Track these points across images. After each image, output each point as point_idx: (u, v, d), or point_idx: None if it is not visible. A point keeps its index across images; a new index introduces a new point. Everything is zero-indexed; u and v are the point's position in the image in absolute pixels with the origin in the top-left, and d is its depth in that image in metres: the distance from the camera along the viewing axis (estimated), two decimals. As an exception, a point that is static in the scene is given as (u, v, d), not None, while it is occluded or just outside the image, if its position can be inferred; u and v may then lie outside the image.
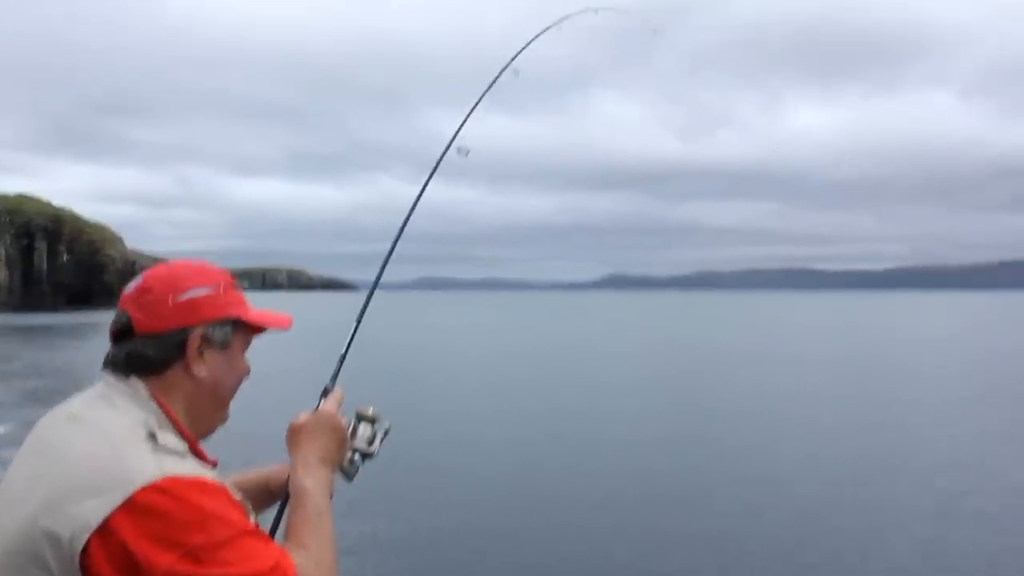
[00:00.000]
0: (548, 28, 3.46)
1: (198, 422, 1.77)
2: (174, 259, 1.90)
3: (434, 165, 2.81)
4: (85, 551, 1.43)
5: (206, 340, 1.75)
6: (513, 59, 3.17)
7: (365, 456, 2.04)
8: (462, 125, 2.90)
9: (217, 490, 1.55)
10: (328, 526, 1.75)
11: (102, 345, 1.77)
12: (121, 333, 1.73)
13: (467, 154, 2.84)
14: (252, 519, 1.61)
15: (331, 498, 1.84)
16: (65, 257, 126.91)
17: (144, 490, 1.47)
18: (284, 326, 1.94)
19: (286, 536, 1.71)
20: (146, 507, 1.46)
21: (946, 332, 66.26)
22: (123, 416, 1.62)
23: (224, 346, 1.79)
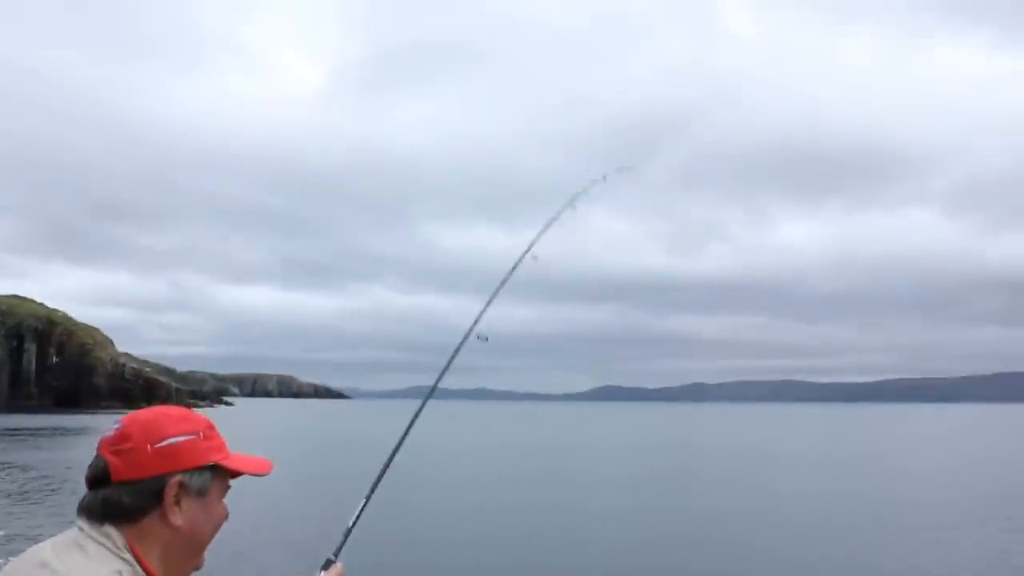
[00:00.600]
0: (560, 211, 3.60)
1: (172, 570, 1.75)
2: (156, 406, 1.89)
3: (455, 348, 2.91)
4: None
5: (184, 488, 1.73)
6: (531, 246, 3.26)
7: None
8: (482, 313, 2.98)
9: None
10: None
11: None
12: (97, 479, 1.71)
13: (486, 340, 2.91)
14: None
15: None
16: (54, 359, 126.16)
17: None
18: (263, 471, 1.91)
19: None
20: None
21: (938, 441, 66.22)
22: (96, 565, 1.60)
23: (202, 493, 1.77)
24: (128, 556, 1.63)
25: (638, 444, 57.88)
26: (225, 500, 1.88)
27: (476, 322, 2.97)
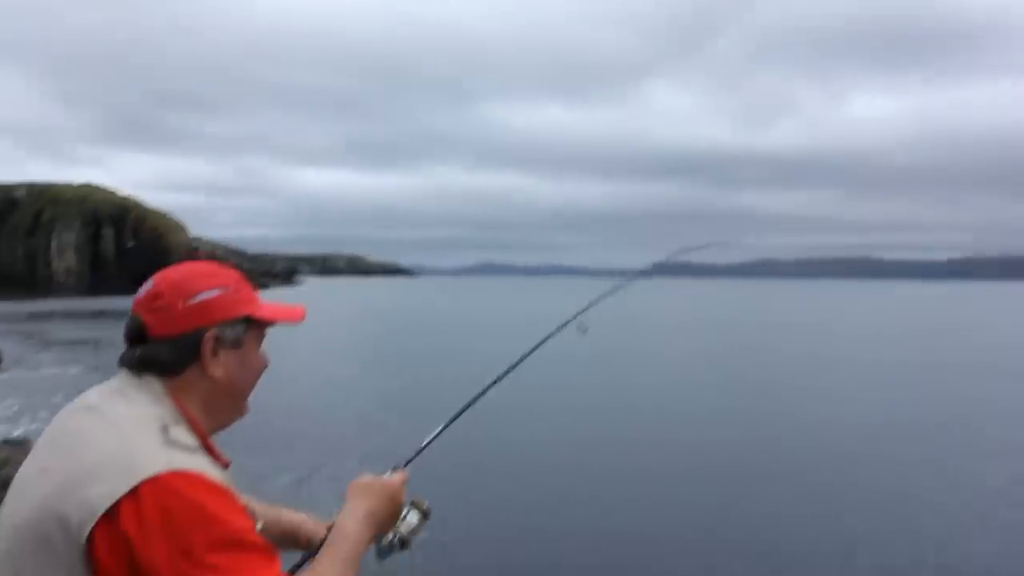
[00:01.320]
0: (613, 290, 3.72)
1: (216, 419, 1.81)
2: (188, 262, 1.91)
3: (551, 332, 2.95)
4: (91, 538, 1.45)
5: (219, 340, 1.77)
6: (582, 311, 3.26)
7: (404, 544, 2.05)
8: (582, 311, 3.09)
9: (222, 491, 1.55)
10: (350, 573, 1.75)
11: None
12: (134, 337, 1.76)
13: (585, 332, 2.96)
14: (258, 527, 1.61)
15: (364, 552, 1.85)
16: (130, 243, 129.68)
17: (149, 482, 1.48)
18: (296, 319, 1.94)
19: (303, 562, 1.79)
20: (149, 499, 1.46)
21: (1017, 323, 64.66)
22: (138, 409, 1.65)
23: (237, 344, 1.81)
24: (168, 402, 1.70)
25: (709, 320, 57.35)
26: (271, 354, 1.91)
27: (580, 314, 3.05)
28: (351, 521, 1.86)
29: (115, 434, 1.58)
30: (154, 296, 1.76)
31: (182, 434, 1.64)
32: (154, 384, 1.72)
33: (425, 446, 2.28)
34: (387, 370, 28.40)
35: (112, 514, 1.46)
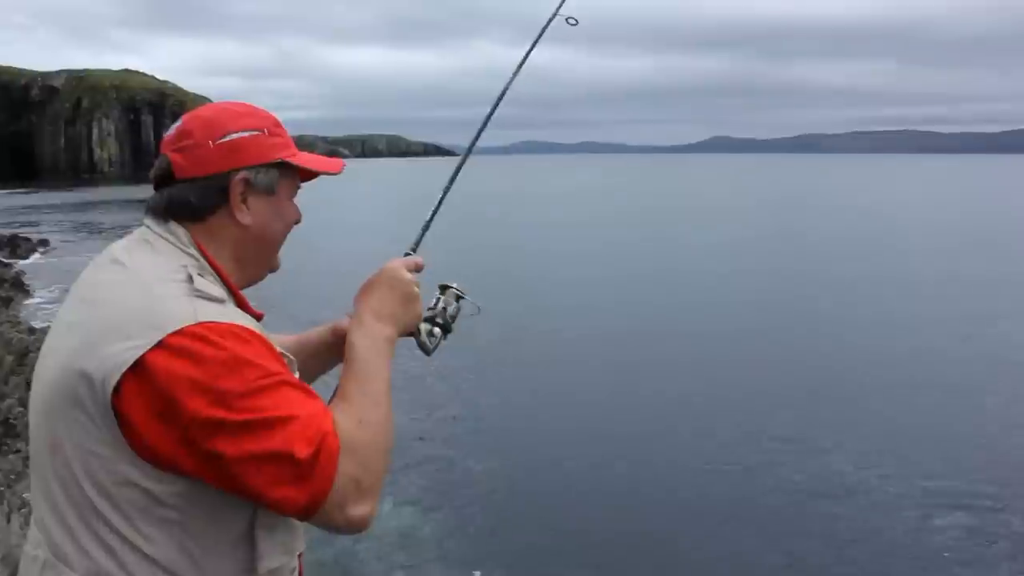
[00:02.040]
0: None
1: (245, 271, 1.70)
2: (221, 101, 1.77)
3: (539, 33, 2.58)
4: (117, 392, 1.39)
5: (250, 185, 1.64)
6: None
7: (445, 330, 1.90)
8: None
9: (255, 337, 1.48)
10: (379, 385, 1.60)
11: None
12: (162, 179, 1.64)
13: (576, 24, 2.62)
14: (296, 375, 1.53)
15: (391, 352, 1.69)
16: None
17: (177, 333, 1.41)
18: (334, 170, 1.81)
19: (333, 394, 1.59)
20: (179, 350, 1.40)
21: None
22: (163, 260, 1.57)
23: (270, 191, 1.68)
24: (194, 251, 1.61)
25: (750, 203, 56.00)
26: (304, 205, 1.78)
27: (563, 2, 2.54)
28: (359, 332, 1.68)
29: (138, 286, 1.51)
30: (183, 134, 1.63)
31: (209, 284, 1.55)
32: (179, 231, 1.61)
33: (430, 220, 2.09)
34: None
35: (138, 369, 1.40)
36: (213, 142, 1.61)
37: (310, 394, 1.48)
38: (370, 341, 1.66)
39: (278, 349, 1.53)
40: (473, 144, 2.44)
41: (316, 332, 2.01)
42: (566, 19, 2.59)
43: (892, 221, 40.80)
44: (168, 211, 1.62)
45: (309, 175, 1.78)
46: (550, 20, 2.60)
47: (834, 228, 36.86)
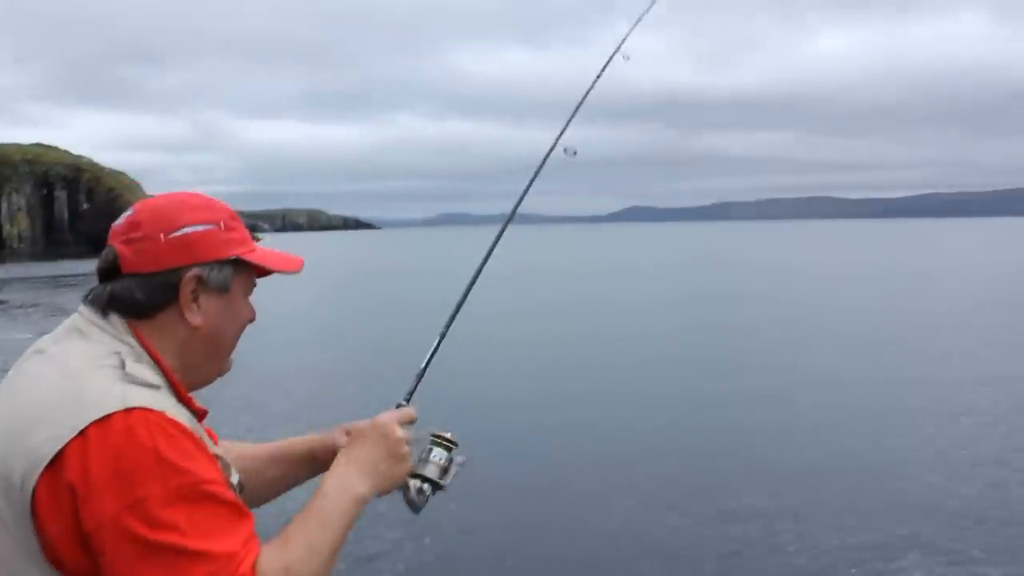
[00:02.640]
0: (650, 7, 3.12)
1: (192, 373, 1.59)
2: (176, 192, 1.65)
3: (539, 165, 2.60)
4: (34, 492, 1.28)
5: (202, 283, 1.56)
6: (621, 43, 2.92)
7: (436, 487, 1.77)
8: (569, 121, 2.69)
9: (185, 435, 1.36)
10: (326, 537, 1.48)
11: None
12: (107, 271, 1.56)
13: (574, 154, 2.64)
14: (234, 480, 1.49)
15: (357, 512, 1.58)
16: (85, 205, 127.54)
17: (101, 422, 1.30)
18: (294, 268, 1.72)
19: (280, 529, 1.49)
20: (98, 443, 1.28)
21: (969, 258, 65.88)
22: (94, 346, 1.47)
23: (223, 289, 1.59)
24: (132, 340, 1.49)
25: (667, 264, 57.62)
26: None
27: (562, 132, 2.62)
28: (333, 479, 1.60)
29: (65, 372, 1.41)
30: (132, 225, 1.56)
31: (143, 369, 1.45)
32: (116, 321, 1.51)
33: (425, 368, 2.03)
34: (368, 323, 27.97)
35: (57, 462, 1.28)
36: (165, 236, 1.53)
37: (238, 516, 1.36)
38: (338, 493, 1.57)
39: (212, 450, 1.45)
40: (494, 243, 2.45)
41: (304, 441, 1.91)
42: (563, 149, 2.62)
43: (796, 281, 42.42)
44: (110, 305, 1.52)
45: (265, 272, 1.69)
46: (551, 150, 2.61)
47: (740, 288, 38.27)
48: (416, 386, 1.97)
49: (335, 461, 1.64)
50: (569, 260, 74.77)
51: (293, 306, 29.69)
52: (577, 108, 2.72)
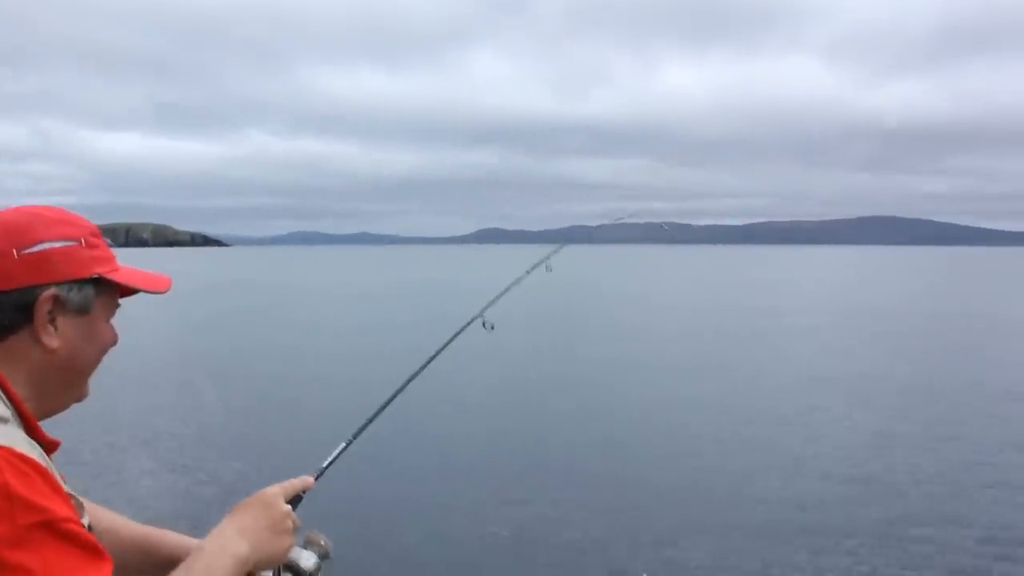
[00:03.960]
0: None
1: (45, 400, 1.47)
2: (29, 204, 1.52)
3: (457, 331, 2.57)
4: None
5: (59, 303, 1.44)
6: (544, 260, 3.08)
7: None
8: (493, 302, 2.75)
9: (36, 470, 1.26)
10: None
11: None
12: None
13: (492, 328, 2.64)
14: (84, 523, 1.34)
15: (237, 573, 1.48)
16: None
17: None
18: (161, 288, 1.60)
19: None
20: None
21: (798, 284, 69.12)
22: None
23: (83, 311, 1.48)
24: None
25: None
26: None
27: (485, 309, 2.71)
28: (212, 537, 1.51)
29: None
30: None
31: None
32: None
33: (333, 460, 1.92)
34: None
35: None
36: (18, 252, 1.41)
37: (97, 559, 1.25)
38: (218, 548, 1.48)
39: (66, 489, 1.35)
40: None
41: (179, 541, 1.78)
42: (483, 323, 2.65)
43: (647, 306, 43.92)
44: None
45: (129, 291, 1.58)
46: (471, 321, 2.65)
47: (591, 310, 39.54)
48: (327, 467, 1.89)
49: (221, 524, 1.55)
50: (413, 279, 74.57)
51: (152, 326, 28.49)
52: (502, 293, 2.80)
